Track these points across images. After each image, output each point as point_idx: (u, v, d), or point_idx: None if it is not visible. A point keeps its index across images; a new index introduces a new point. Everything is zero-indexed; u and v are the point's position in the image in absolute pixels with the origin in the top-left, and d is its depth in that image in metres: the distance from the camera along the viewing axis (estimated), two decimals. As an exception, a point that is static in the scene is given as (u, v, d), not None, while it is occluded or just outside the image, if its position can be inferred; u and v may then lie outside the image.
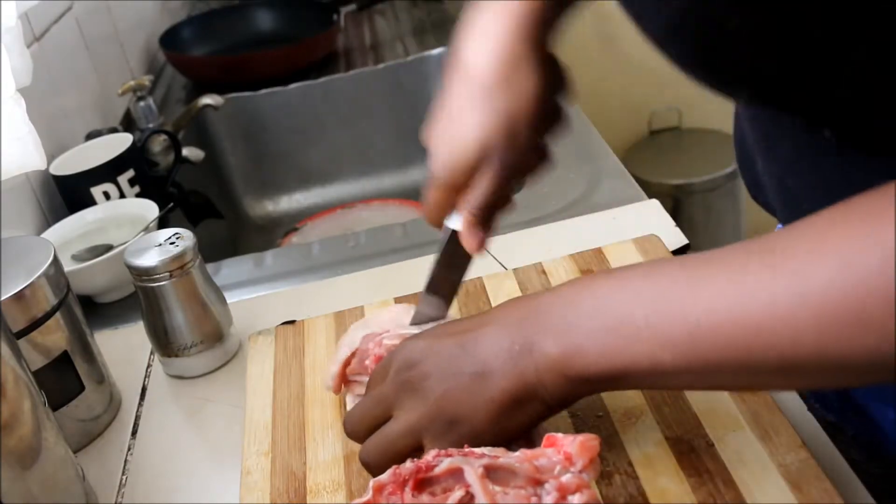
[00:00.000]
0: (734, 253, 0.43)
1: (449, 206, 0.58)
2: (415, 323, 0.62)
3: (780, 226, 0.65)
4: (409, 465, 0.49)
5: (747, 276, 0.41)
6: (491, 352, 0.50)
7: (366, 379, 0.60)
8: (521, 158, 0.56)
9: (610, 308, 0.47)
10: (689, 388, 0.54)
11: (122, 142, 1.02)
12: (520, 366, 0.49)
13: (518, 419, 0.50)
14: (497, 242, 0.84)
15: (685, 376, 0.45)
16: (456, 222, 0.58)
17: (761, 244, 0.42)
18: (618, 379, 0.47)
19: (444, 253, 0.60)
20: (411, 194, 1.36)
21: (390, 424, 0.53)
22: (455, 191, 0.57)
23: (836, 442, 0.56)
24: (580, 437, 0.48)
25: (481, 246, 0.58)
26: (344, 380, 0.63)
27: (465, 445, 0.50)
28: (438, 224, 0.59)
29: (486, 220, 0.57)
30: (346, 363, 0.62)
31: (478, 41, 0.56)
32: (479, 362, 0.50)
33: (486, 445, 0.50)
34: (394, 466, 0.49)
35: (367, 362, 0.60)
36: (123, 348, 0.79)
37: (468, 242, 0.58)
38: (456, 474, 0.47)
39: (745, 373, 0.43)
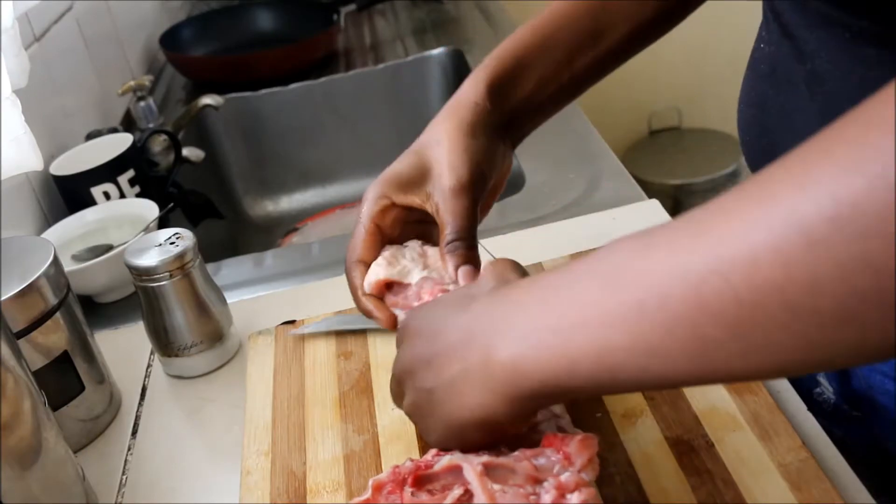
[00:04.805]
0: (704, 207, 0.38)
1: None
2: None
3: None
4: (408, 463, 0.49)
5: (715, 220, 0.36)
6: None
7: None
8: None
9: (552, 303, 0.40)
10: (649, 382, 0.39)
11: (122, 142, 1.02)
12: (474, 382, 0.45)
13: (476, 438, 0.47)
14: (497, 242, 0.84)
15: (639, 361, 0.37)
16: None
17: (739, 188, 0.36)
18: (562, 386, 0.40)
19: None
20: (411, 194, 1.35)
21: None
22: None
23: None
24: (579, 437, 0.48)
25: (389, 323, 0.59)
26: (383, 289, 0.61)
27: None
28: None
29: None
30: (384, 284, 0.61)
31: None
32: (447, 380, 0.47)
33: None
34: (393, 465, 0.49)
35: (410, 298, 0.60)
36: (123, 348, 0.79)
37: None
38: (455, 472, 0.47)
39: (701, 346, 0.34)
